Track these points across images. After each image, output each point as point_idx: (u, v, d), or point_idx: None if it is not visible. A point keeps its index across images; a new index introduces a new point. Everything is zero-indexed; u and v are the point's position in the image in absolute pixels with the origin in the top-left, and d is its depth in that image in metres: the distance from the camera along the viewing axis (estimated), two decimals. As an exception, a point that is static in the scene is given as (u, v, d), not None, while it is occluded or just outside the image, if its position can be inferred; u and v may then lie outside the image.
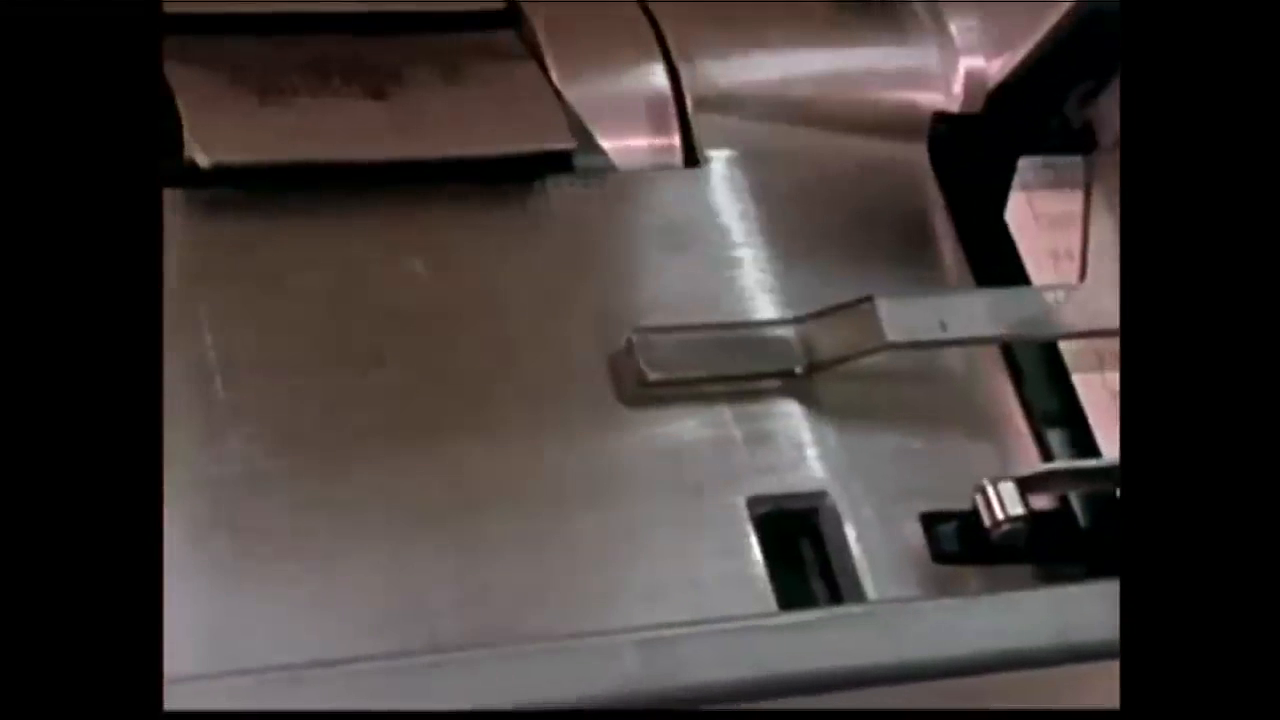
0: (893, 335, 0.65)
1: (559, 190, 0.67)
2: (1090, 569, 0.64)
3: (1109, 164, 0.71)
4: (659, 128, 0.69)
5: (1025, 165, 0.71)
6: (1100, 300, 0.67)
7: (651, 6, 0.71)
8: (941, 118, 0.72)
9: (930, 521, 0.64)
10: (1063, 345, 0.68)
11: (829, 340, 0.65)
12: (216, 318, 0.62)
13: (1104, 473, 0.64)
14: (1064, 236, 0.70)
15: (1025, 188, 0.71)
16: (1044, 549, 0.64)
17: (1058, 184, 0.71)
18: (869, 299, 0.65)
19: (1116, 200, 0.69)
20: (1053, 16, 0.70)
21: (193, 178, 0.63)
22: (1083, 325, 0.67)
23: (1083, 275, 0.69)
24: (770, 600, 0.62)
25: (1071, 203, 0.71)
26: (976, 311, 0.67)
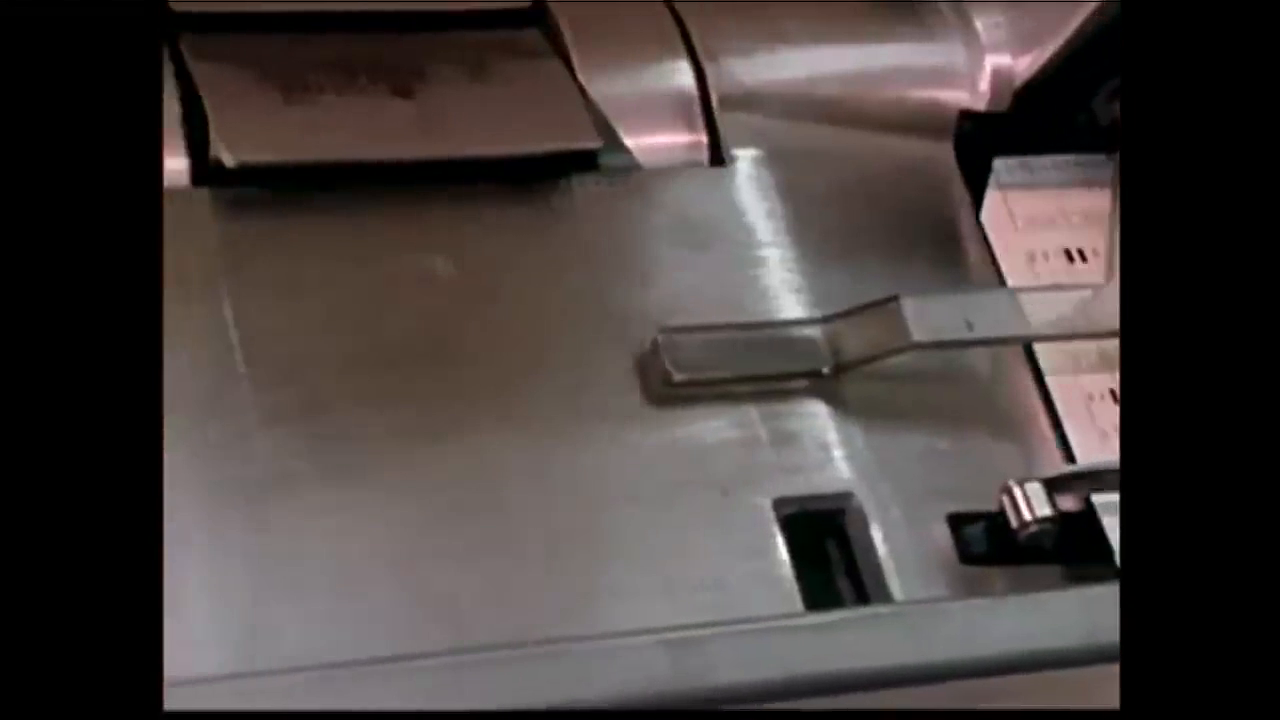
0: (919, 335, 0.65)
1: (584, 189, 0.67)
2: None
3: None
4: (684, 126, 0.69)
5: (1001, 166, 0.71)
6: (1127, 299, 0.66)
7: (677, 5, 0.71)
8: (967, 116, 0.72)
9: (957, 522, 0.64)
10: (1038, 348, 0.67)
11: (855, 340, 0.65)
12: (242, 317, 0.62)
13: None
14: (1041, 237, 0.70)
15: (1002, 188, 0.70)
16: (1071, 550, 0.64)
17: (1035, 184, 0.71)
18: (895, 299, 0.65)
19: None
20: (1080, 13, 0.70)
21: (218, 177, 0.63)
22: (1109, 325, 0.67)
23: (1109, 274, 0.69)
24: (796, 601, 0.62)
25: (1049, 203, 0.71)
26: (1003, 311, 0.66)
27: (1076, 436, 0.67)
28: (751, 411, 0.64)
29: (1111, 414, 0.67)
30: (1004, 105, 0.72)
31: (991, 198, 0.70)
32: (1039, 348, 0.67)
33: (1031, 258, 0.70)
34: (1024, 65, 0.72)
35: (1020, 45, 0.72)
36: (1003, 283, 0.69)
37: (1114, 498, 0.64)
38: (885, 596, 0.63)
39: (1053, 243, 0.70)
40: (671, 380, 0.64)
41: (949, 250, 0.70)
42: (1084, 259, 0.70)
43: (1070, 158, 0.72)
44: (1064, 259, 0.70)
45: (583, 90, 0.68)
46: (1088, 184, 0.71)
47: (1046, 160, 0.71)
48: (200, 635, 0.57)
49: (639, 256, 0.67)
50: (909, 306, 0.64)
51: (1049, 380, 0.67)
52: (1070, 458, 0.66)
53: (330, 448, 0.61)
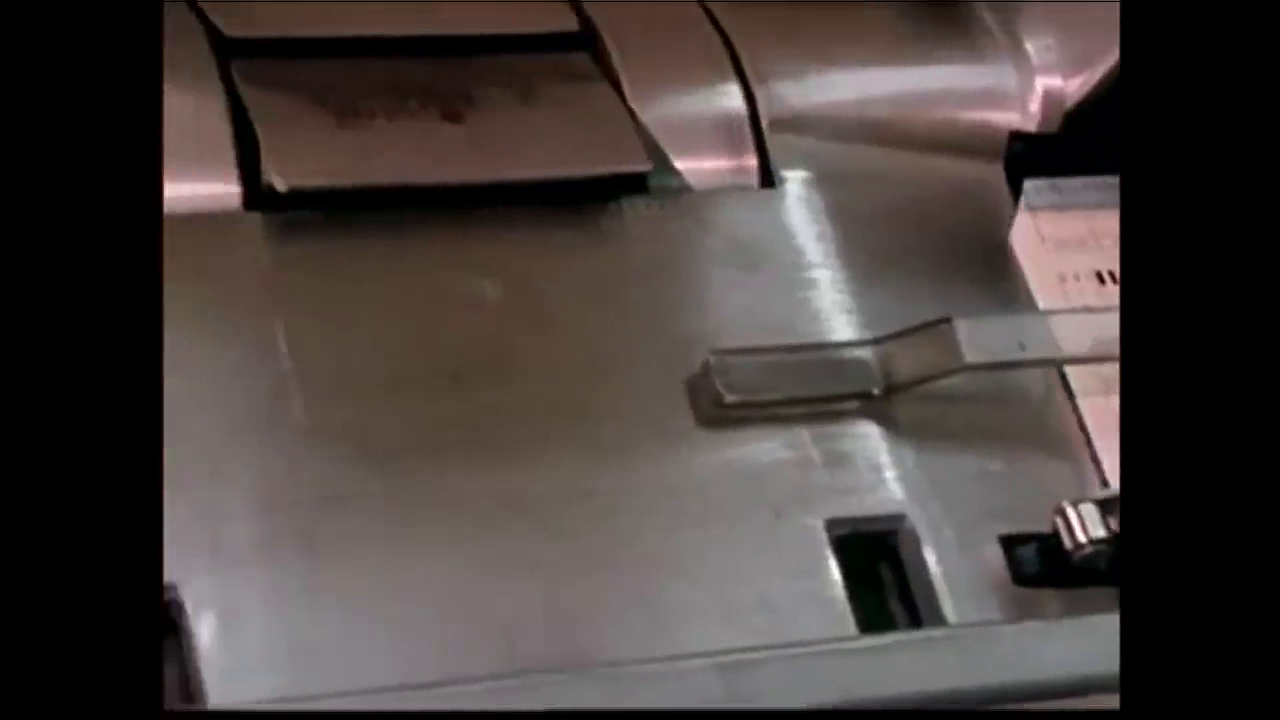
0: (971, 356, 0.64)
1: (634, 211, 0.67)
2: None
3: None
4: (734, 148, 0.69)
5: (1031, 187, 0.70)
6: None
7: (726, 27, 0.71)
8: (1018, 137, 0.71)
9: (1010, 544, 0.64)
10: (1069, 370, 0.67)
11: (907, 362, 0.65)
12: (294, 339, 0.62)
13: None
14: (1072, 259, 0.70)
15: (1032, 209, 0.70)
16: (1126, 571, 0.63)
17: (1065, 205, 0.70)
18: (947, 320, 0.65)
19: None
20: (1131, 35, 0.70)
21: (270, 201, 0.63)
22: (1159, 346, 0.66)
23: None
24: (849, 623, 0.62)
25: (1079, 225, 0.70)
26: (1055, 332, 0.66)
27: (1109, 459, 0.66)
28: (803, 433, 0.64)
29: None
30: (1054, 126, 0.72)
31: (1021, 219, 0.70)
32: (1071, 370, 0.67)
33: (1062, 279, 0.69)
34: (1074, 87, 0.72)
35: (1071, 67, 0.72)
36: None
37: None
38: (938, 618, 0.63)
39: (1083, 264, 0.70)
40: (723, 402, 0.64)
41: (1000, 271, 0.70)
42: (1114, 281, 0.70)
43: (1100, 179, 0.71)
44: (1095, 280, 0.70)
45: (632, 113, 0.68)
46: (1118, 206, 0.71)
47: (1076, 182, 0.71)
48: (252, 658, 0.57)
49: (689, 279, 0.67)
50: (961, 328, 0.64)
51: (1081, 402, 0.67)
52: (1104, 479, 0.66)
53: (381, 470, 0.61)
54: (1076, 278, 0.69)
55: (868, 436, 0.65)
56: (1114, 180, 0.71)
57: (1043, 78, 0.72)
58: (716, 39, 0.70)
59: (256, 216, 0.64)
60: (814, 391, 0.65)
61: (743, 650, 0.57)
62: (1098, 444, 0.67)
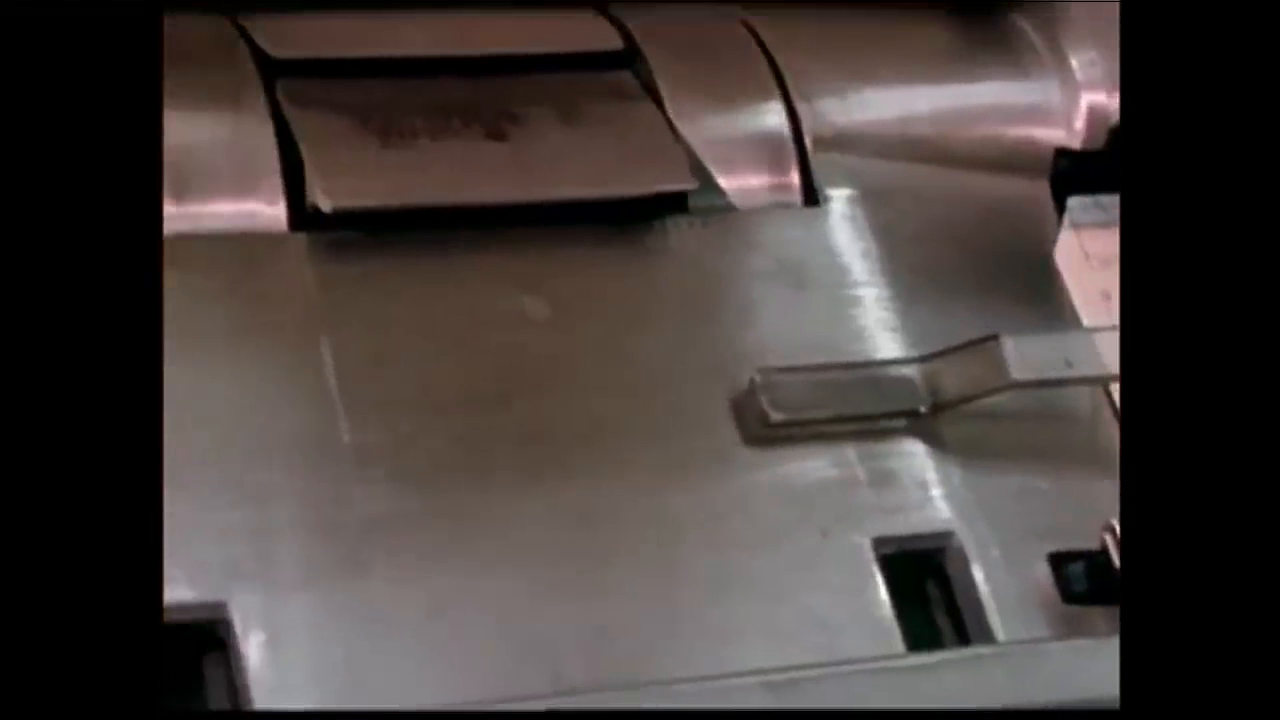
0: (1018, 374, 0.64)
1: (678, 230, 0.67)
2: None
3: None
4: (778, 167, 0.69)
5: (1075, 204, 0.70)
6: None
7: (769, 45, 0.71)
8: (1063, 154, 0.71)
9: (1059, 561, 0.64)
10: (1115, 387, 0.67)
11: (953, 379, 0.65)
12: (340, 359, 0.62)
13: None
14: (1115, 276, 0.69)
15: (1076, 226, 0.70)
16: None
17: (1108, 223, 0.70)
18: (994, 338, 0.64)
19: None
20: (1176, 51, 0.70)
21: (316, 221, 0.64)
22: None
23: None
24: (897, 641, 0.62)
25: None
26: (1102, 349, 0.66)
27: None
28: (849, 451, 0.64)
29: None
30: (1100, 143, 0.72)
31: (1065, 236, 0.70)
32: (1116, 387, 0.67)
33: (1106, 296, 0.69)
34: (1119, 103, 0.72)
35: (1116, 83, 0.72)
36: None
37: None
38: (986, 636, 0.63)
39: None
40: (769, 420, 0.63)
41: (1044, 289, 0.70)
42: (1157, 298, 0.70)
43: (1145, 197, 0.71)
44: None
45: (675, 132, 0.68)
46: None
47: (1119, 200, 0.71)
48: (298, 677, 0.57)
49: (734, 297, 0.67)
50: (1008, 345, 0.64)
51: (1127, 420, 0.67)
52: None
53: (426, 489, 0.61)
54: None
55: (914, 455, 0.65)
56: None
57: (1088, 94, 0.72)
58: (760, 57, 0.71)
59: (302, 237, 0.64)
60: (860, 410, 0.65)
61: (791, 669, 0.57)
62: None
